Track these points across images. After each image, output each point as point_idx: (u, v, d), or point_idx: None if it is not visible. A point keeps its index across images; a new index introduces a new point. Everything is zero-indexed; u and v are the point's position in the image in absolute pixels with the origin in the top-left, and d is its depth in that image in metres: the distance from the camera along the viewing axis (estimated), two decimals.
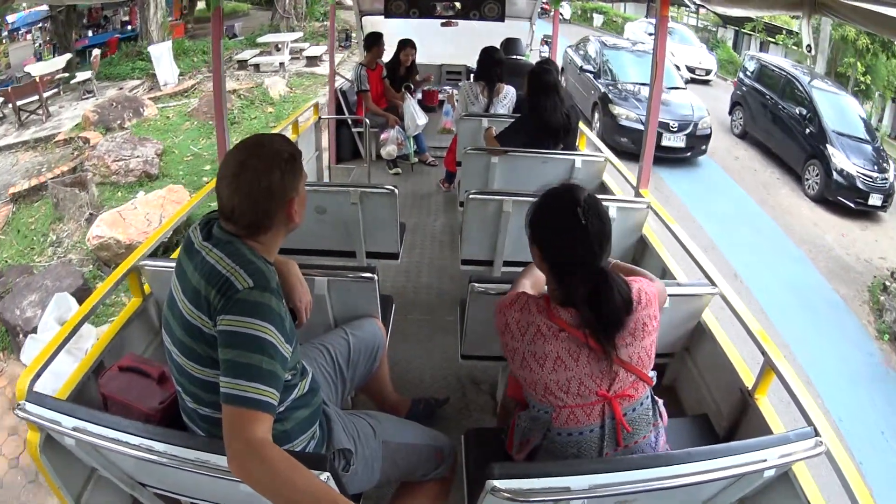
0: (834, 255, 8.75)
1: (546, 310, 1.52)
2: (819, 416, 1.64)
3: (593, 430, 1.51)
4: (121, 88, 12.80)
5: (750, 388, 1.96)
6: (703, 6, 2.66)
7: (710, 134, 10.70)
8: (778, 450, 1.44)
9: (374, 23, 6.39)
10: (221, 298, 1.37)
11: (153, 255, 2.35)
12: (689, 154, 10.55)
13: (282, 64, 15.05)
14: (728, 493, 1.53)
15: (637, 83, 11.01)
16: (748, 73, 12.98)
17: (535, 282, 1.86)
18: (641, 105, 9.94)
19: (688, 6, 20.08)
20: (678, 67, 14.61)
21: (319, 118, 4.97)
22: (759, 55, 14.51)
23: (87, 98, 12.34)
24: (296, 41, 16.16)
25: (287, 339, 1.41)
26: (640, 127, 8.84)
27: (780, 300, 7.20)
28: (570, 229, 1.48)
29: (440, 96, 6.41)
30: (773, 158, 11.59)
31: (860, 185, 9.81)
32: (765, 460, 1.40)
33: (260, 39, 16.57)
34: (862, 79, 17.00)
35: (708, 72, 17.69)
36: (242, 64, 15.06)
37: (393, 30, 6.49)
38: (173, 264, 1.60)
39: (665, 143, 9.99)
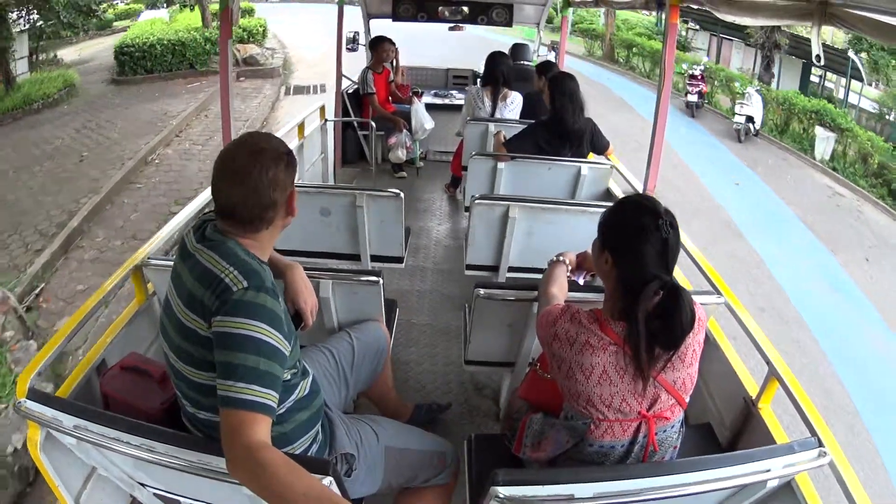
0: None
1: (598, 321, 1.50)
2: (822, 426, 1.62)
3: (623, 446, 1.51)
4: None
5: (753, 397, 1.95)
6: (712, 13, 2.65)
7: None
8: (782, 460, 1.43)
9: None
10: (216, 300, 1.36)
11: (157, 253, 2.34)
12: None
13: None
14: (730, 502, 1.53)
15: None
16: None
17: (561, 287, 1.87)
18: None
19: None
20: None
21: (325, 120, 4.97)
22: None
23: None
24: None
25: (286, 336, 1.40)
26: None
27: None
28: (651, 240, 1.45)
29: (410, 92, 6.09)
30: None
31: None
32: (768, 470, 1.40)
33: None
34: None
35: None
36: None
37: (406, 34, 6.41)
38: None
39: None
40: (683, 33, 20.65)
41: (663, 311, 1.41)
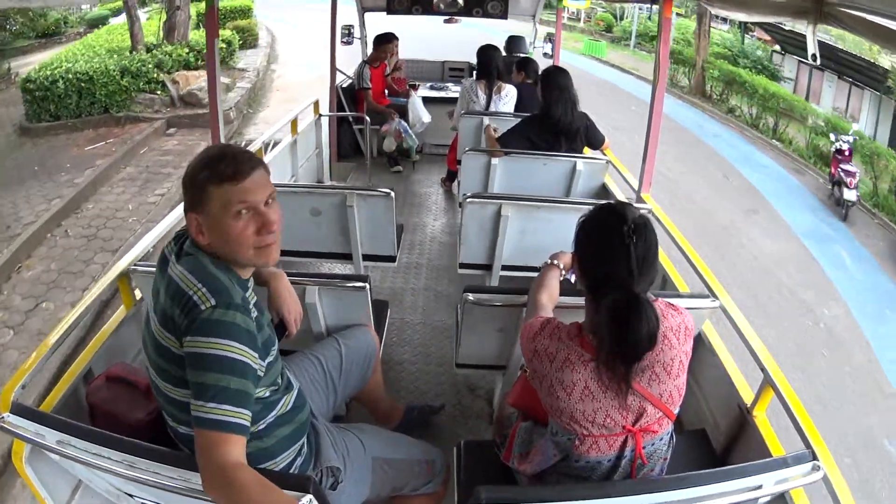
0: None
1: (577, 336, 1.47)
2: (816, 437, 1.60)
3: (610, 460, 1.48)
4: None
5: (749, 404, 1.92)
6: (707, 8, 2.61)
7: None
8: (774, 475, 1.40)
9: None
10: (185, 319, 1.34)
11: (144, 259, 2.31)
12: None
13: None
14: None
15: None
16: None
17: (550, 294, 1.83)
18: None
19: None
20: None
21: (320, 115, 4.93)
22: None
23: None
24: None
25: (259, 354, 1.38)
26: None
27: None
28: (612, 245, 1.42)
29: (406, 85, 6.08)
30: None
31: None
32: (760, 486, 1.37)
33: None
34: None
35: None
36: None
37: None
38: None
39: None
40: (763, 53, 16.41)
41: (621, 322, 1.36)
